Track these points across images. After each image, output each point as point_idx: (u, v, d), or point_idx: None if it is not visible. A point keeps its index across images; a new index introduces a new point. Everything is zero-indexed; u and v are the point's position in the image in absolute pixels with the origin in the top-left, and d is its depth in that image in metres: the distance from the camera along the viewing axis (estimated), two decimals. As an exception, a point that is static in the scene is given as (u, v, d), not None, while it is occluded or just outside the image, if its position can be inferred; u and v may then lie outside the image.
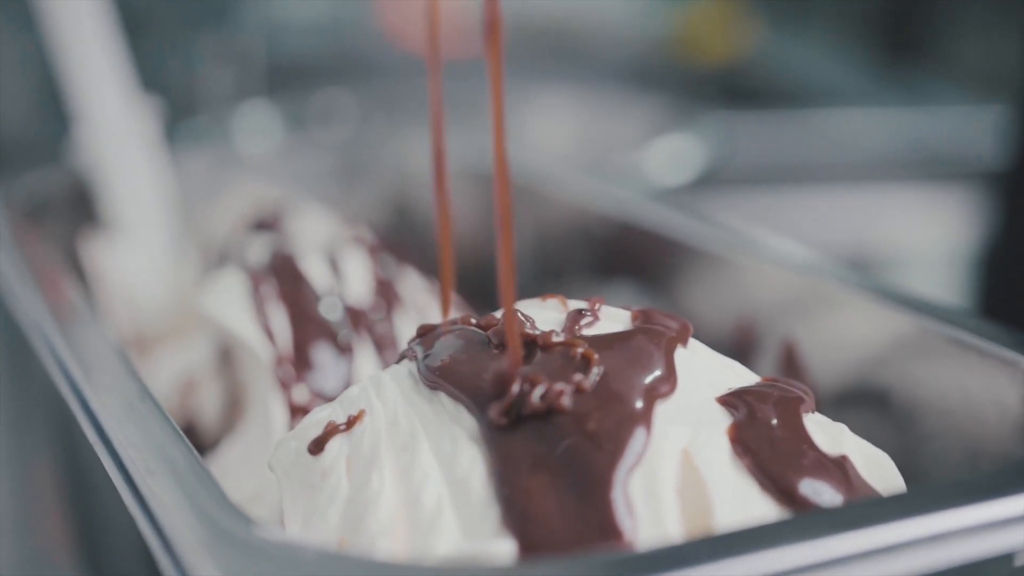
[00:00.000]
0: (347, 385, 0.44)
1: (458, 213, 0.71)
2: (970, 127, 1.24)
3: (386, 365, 0.46)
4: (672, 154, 0.95)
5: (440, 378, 0.33)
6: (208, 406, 0.54)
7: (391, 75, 1.49)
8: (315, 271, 0.47)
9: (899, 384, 0.42)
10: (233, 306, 0.45)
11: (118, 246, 0.63)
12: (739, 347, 0.49)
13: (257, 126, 0.96)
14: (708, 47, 1.68)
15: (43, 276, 0.54)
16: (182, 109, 0.91)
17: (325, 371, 0.44)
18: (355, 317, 0.46)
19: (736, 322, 0.50)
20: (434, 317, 0.51)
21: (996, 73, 1.47)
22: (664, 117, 1.05)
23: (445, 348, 0.35)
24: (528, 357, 0.33)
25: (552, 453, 0.31)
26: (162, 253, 0.63)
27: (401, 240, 0.66)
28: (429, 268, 0.59)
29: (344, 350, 0.45)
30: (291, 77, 1.39)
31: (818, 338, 0.46)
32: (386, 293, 0.48)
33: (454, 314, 0.53)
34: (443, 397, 0.33)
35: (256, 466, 0.43)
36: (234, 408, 0.54)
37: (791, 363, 0.47)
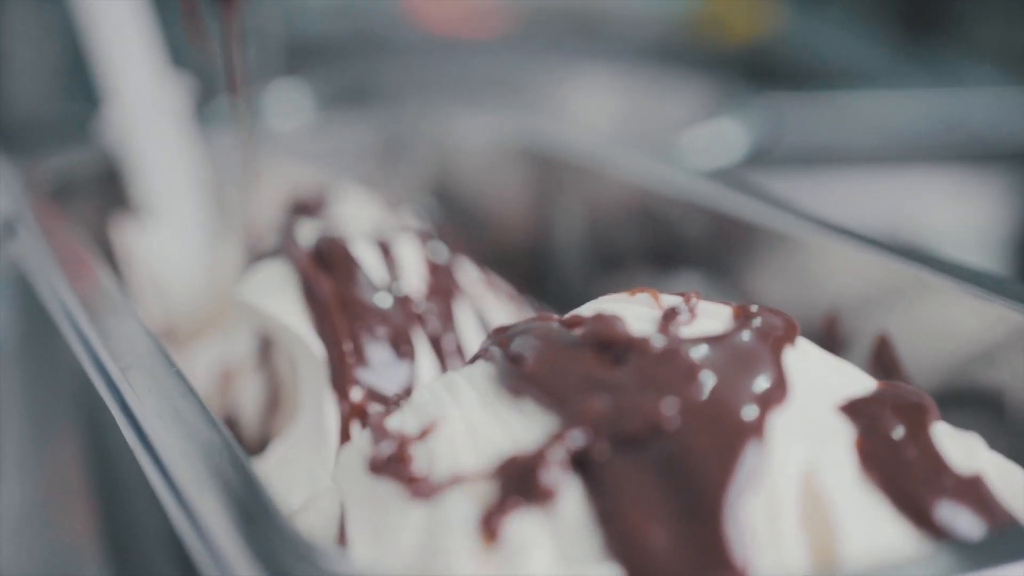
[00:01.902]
0: (407, 384, 0.41)
1: (506, 193, 0.67)
2: (1006, 108, 1.22)
3: (446, 361, 0.43)
4: (704, 137, 0.91)
5: (527, 383, 0.30)
6: (247, 405, 0.50)
7: (411, 54, 1.47)
8: (368, 260, 0.44)
9: (1012, 384, 0.39)
10: (282, 297, 0.42)
11: (149, 231, 0.59)
12: (824, 343, 0.45)
13: (287, 105, 0.93)
14: (732, 27, 1.65)
15: (73, 263, 0.51)
16: (207, 89, 0.87)
17: (383, 368, 0.40)
18: (413, 309, 0.42)
19: (822, 314, 0.46)
20: (492, 309, 0.47)
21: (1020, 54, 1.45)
22: (691, 99, 1.01)
23: (529, 349, 0.31)
24: (622, 363, 0.30)
25: (658, 472, 0.27)
26: (196, 238, 0.60)
27: (445, 224, 0.62)
28: (479, 255, 0.55)
29: (403, 345, 0.41)
30: (309, 57, 1.37)
31: (915, 332, 0.43)
32: (444, 283, 0.44)
33: (509, 305, 0.49)
34: (529, 405, 0.30)
35: (307, 472, 0.40)
36: (274, 406, 0.51)
37: (884, 360, 0.43)
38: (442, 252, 0.46)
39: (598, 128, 1.00)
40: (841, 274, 0.46)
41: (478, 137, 0.68)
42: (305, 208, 0.55)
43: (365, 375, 0.40)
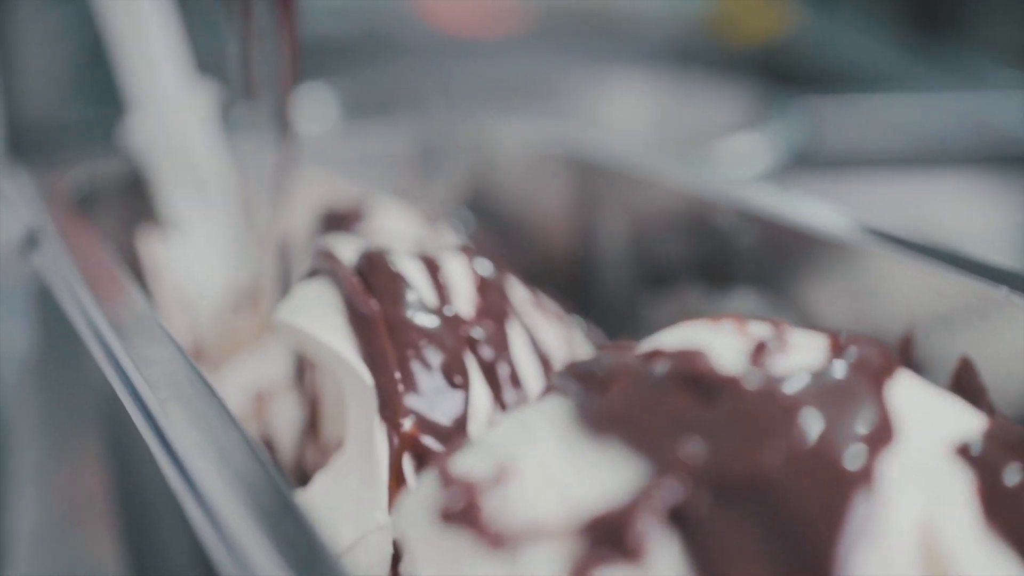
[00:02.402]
0: (461, 413, 0.38)
1: (546, 204, 0.65)
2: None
3: (501, 389, 0.40)
4: (738, 144, 0.88)
5: (612, 423, 0.27)
6: (283, 429, 0.48)
7: (424, 55, 1.45)
8: (415, 278, 0.41)
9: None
10: (326, 319, 0.39)
11: (175, 244, 0.57)
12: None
13: (310, 110, 0.90)
14: (748, 28, 1.64)
15: (101, 279, 0.48)
16: (232, 94, 0.85)
17: (436, 396, 0.38)
18: (465, 332, 0.40)
19: (895, 335, 0.43)
20: (544, 331, 0.44)
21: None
22: (720, 104, 0.99)
23: (611, 385, 0.29)
24: (714, 402, 0.27)
25: (761, 525, 0.25)
26: (225, 252, 0.57)
27: (483, 237, 0.60)
28: (518, 271, 0.53)
29: (456, 371, 0.39)
30: (320, 58, 1.35)
31: (999, 355, 0.40)
32: (495, 304, 0.42)
33: (560, 327, 0.47)
34: (614, 448, 0.27)
35: (356, 506, 0.37)
36: (312, 431, 0.48)
37: (967, 385, 0.40)
38: (491, 270, 0.44)
39: (629, 135, 0.98)
40: (916, 291, 0.43)
41: (516, 144, 0.65)
42: (340, 222, 0.53)
43: (417, 403, 0.38)
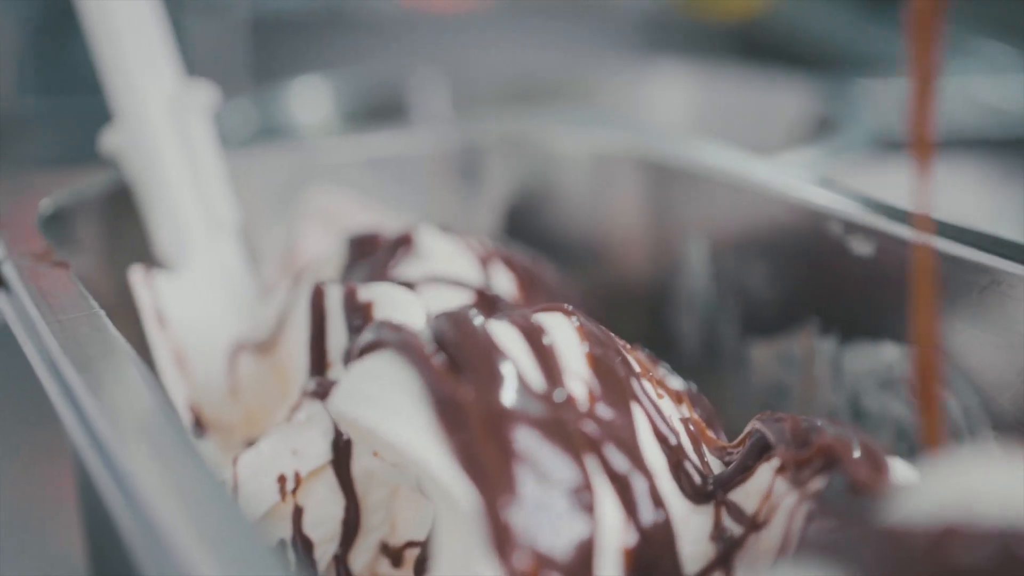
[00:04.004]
0: (586, 541, 0.28)
1: (620, 219, 0.54)
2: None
3: (636, 506, 0.30)
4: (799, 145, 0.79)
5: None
6: (315, 527, 0.38)
7: (385, 30, 1.38)
8: (517, 352, 0.31)
9: None
10: (404, 414, 0.29)
11: (176, 284, 0.47)
12: None
13: (310, 108, 0.80)
14: (725, 6, 1.59)
15: (83, 338, 0.38)
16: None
17: (555, 520, 0.28)
18: (584, 428, 0.30)
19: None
20: (667, 414, 0.34)
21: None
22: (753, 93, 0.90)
23: (904, 557, 0.19)
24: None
25: None
26: (236, 292, 0.47)
27: (550, 274, 0.49)
28: (588, 310, 0.43)
29: (580, 485, 0.29)
30: (278, 33, 1.28)
31: None
32: (614, 384, 0.32)
33: (677, 407, 0.37)
34: None
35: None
36: (353, 533, 0.39)
37: None
38: (602, 334, 0.34)
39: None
40: None
41: (572, 148, 0.55)
42: (381, 262, 0.42)
43: (531, 530, 0.28)
